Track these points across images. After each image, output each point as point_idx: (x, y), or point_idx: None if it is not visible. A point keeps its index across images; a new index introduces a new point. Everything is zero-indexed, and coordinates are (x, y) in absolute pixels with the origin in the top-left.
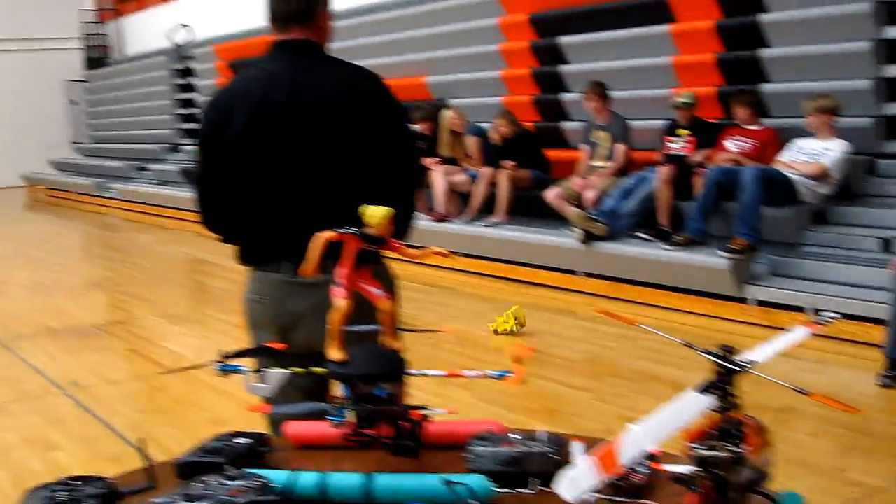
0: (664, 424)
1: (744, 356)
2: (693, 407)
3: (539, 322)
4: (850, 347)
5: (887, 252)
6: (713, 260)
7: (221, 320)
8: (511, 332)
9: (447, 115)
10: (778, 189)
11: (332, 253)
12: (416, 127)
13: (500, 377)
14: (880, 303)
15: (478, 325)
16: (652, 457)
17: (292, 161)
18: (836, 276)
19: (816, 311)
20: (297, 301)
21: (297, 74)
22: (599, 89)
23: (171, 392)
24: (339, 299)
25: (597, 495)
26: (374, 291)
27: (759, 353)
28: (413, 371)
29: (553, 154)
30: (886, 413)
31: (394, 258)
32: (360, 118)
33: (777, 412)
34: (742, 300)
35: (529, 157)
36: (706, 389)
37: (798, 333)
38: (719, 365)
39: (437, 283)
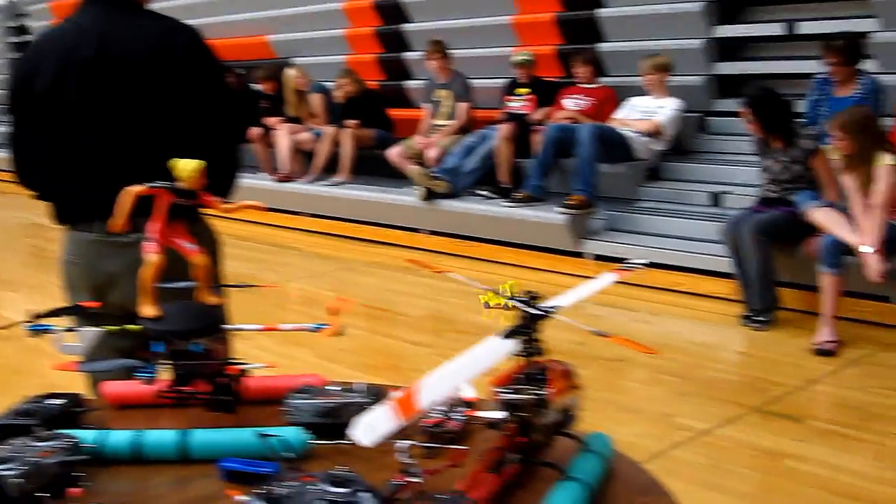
0: (464, 369)
1: (548, 302)
2: (495, 352)
3: (382, 280)
4: (682, 298)
5: (717, 206)
6: (551, 216)
7: (59, 286)
8: (505, 307)
9: (291, 74)
10: (614, 146)
11: (147, 210)
12: (259, 86)
13: (317, 329)
14: (711, 255)
15: (320, 285)
16: (468, 404)
17: (100, 117)
18: (669, 229)
19: (623, 259)
20: (111, 261)
21: (107, 28)
22: (440, 48)
23: (1, 359)
24: (151, 254)
25: (409, 442)
26: (188, 246)
27: (564, 298)
28: (228, 326)
29: (396, 113)
30: (712, 360)
31: (214, 214)
32: (172, 73)
33: (611, 362)
34: (580, 255)
35: (373, 116)
36: (509, 334)
37: (604, 280)
38: (522, 310)
39: (280, 242)
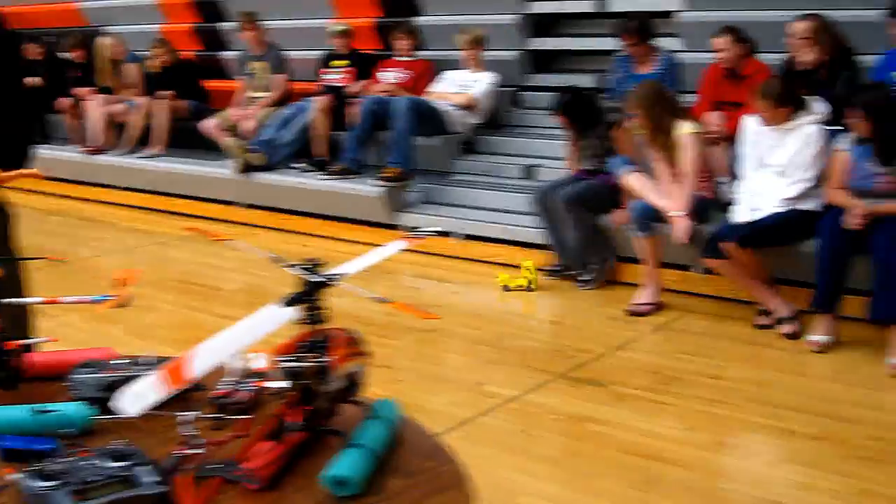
0: (240, 337)
1: (333, 270)
2: (273, 320)
3: (196, 254)
4: (494, 269)
5: (529, 179)
6: (368, 188)
7: None
8: (528, 289)
9: (105, 43)
10: (429, 119)
11: None
12: (68, 55)
13: (100, 301)
14: (524, 227)
15: (133, 260)
16: (258, 374)
17: None
18: (483, 202)
19: (413, 227)
20: None
21: None
22: (253, 19)
23: None
24: None
25: (195, 413)
26: None
27: (350, 266)
28: (14, 300)
29: (212, 84)
30: (523, 329)
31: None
32: None
33: (424, 333)
34: (396, 227)
35: (188, 87)
36: (289, 302)
37: (393, 247)
38: (304, 278)
39: (93, 217)
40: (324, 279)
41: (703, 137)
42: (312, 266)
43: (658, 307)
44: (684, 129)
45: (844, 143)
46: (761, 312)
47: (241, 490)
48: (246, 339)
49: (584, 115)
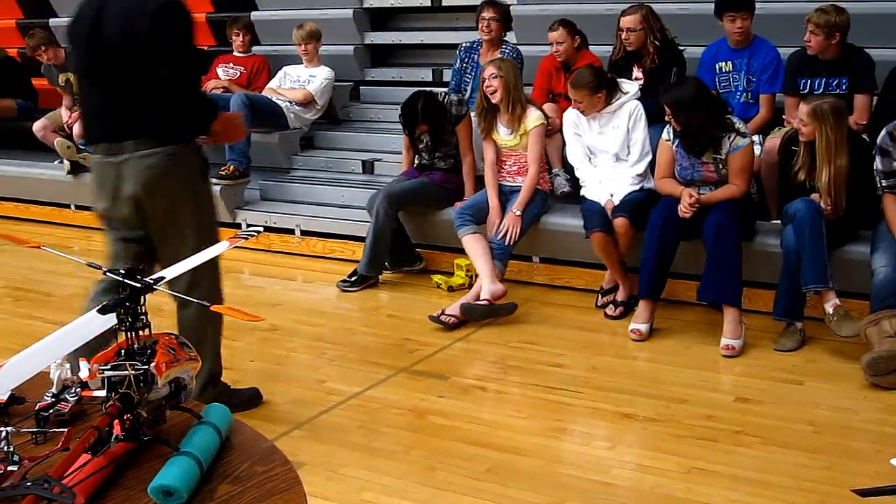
0: (55, 346)
1: (156, 273)
2: (90, 327)
3: (26, 259)
4: (335, 265)
5: (369, 173)
6: None
7: None
8: (465, 287)
9: None
10: (267, 115)
11: None
12: None
13: None
14: (364, 221)
15: None
16: (84, 384)
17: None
18: (323, 197)
19: (248, 225)
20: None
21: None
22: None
23: None
24: None
25: (8, 428)
26: None
27: (173, 269)
28: None
29: (40, 83)
30: (364, 324)
31: None
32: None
33: (265, 332)
34: (236, 225)
35: (13, 85)
36: (106, 309)
37: (218, 247)
38: (124, 283)
39: None
40: (144, 283)
41: (543, 129)
42: (132, 271)
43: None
44: (533, 119)
45: (668, 135)
46: (604, 293)
47: None
48: (61, 348)
49: (439, 115)
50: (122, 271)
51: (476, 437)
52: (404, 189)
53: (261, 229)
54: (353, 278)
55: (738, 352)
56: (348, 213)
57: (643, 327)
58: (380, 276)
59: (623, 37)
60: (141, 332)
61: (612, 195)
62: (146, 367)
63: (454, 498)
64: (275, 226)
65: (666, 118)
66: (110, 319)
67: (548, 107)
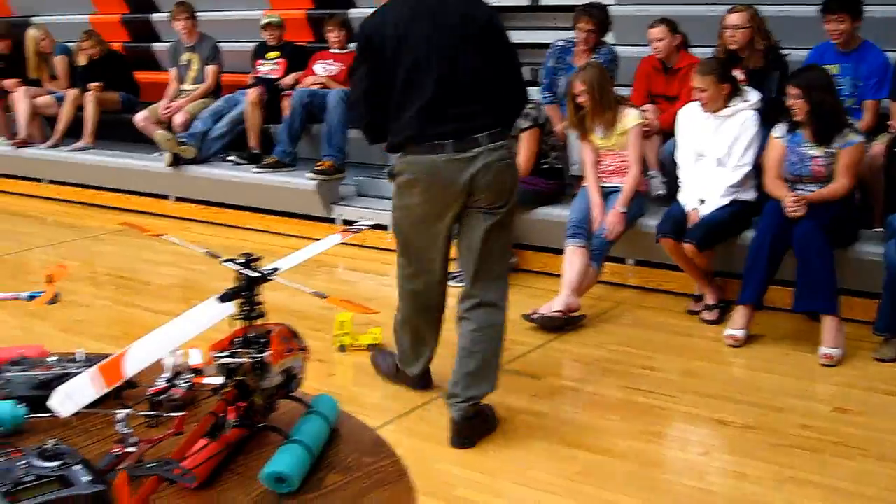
0: (176, 333)
1: (270, 264)
2: (210, 315)
3: (128, 248)
4: None
5: None
6: (302, 181)
7: None
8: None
9: (33, 35)
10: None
11: None
12: None
13: (31, 298)
14: None
15: (62, 254)
16: (195, 371)
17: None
18: None
19: (349, 221)
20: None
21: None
22: (186, 9)
23: None
24: None
25: (127, 411)
26: None
27: (287, 260)
28: None
29: (142, 76)
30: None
31: None
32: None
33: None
34: (331, 220)
35: (117, 78)
36: (226, 297)
37: (329, 241)
38: (241, 273)
39: (19, 211)
40: (261, 274)
41: (642, 129)
42: (249, 261)
43: (567, 314)
44: (631, 118)
45: (779, 132)
46: (697, 299)
47: (177, 488)
48: (182, 335)
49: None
50: (240, 261)
51: (569, 438)
52: None
53: (370, 223)
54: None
55: (836, 361)
56: None
57: (740, 333)
58: None
59: (728, 34)
60: (255, 321)
61: (702, 202)
62: (261, 355)
63: (547, 498)
64: (369, 221)
65: (789, 103)
66: (229, 308)
67: (647, 108)
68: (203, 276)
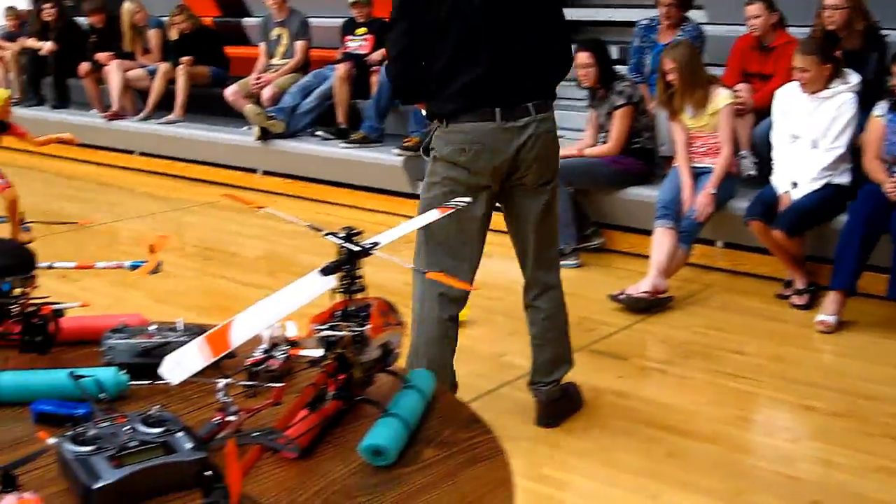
0: (280, 305)
1: (370, 239)
2: (312, 288)
3: (216, 220)
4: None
5: None
6: (388, 157)
7: None
8: None
9: (128, 9)
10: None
11: None
12: (86, 19)
13: (133, 267)
14: None
15: (151, 225)
16: (291, 343)
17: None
18: None
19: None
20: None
21: None
22: None
23: None
24: None
25: (227, 380)
26: None
27: (385, 235)
28: (41, 264)
29: (233, 51)
30: None
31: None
32: None
33: None
34: (416, 196)
35: (208, 53)
36: (328, 270)
37: (427, 217)
38: (342, 247)
39: (110, 182)
40: (362, 248)
41: (734, 108)
42: (350, 235)
43: (655, 294)
44: (722, 98)
45: (880, 110)
46: (787, 284)
47: (277, 458)
48: (286, 307)
49: (606, 62)
50: (341, 235)
51: (655, 420)
52: (567, 165)
53: (469, 200)
54: None
55: None
56: None
57: (831, 319)
58: (572, 252)
59: (826, 14)
60: (354, 295)
61: (794, 185)
62: (362, 329)
63: (631, 479)
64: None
65: (893, 82)
66: (330, 281)
67: (742, 87)
68: (289, 250)
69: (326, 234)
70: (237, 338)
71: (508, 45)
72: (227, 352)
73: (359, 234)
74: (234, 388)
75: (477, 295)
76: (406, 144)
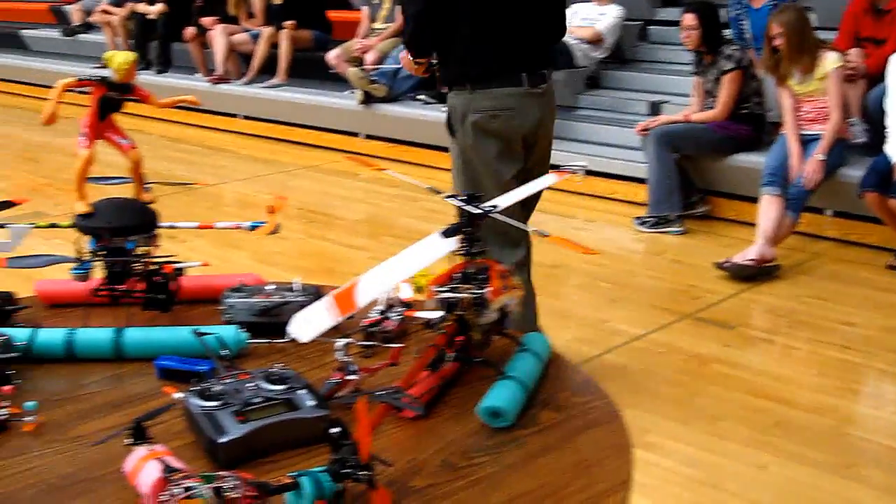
0: (403, 266)
1: (487, 202)
2: (434, 250)
3: (318, 183)
4: (618, 206)
5: (656, 115)
6: None
7: None
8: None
9: None
10: (554, 53)
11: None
12: None
13: (253, 228)
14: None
15: (255, 188)
16: (406, 304)
17: None
18: (607, 138)
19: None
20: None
21: None
22: None
23: None
24: (83, 149)
25: (347, 340)
26: (122, 142)
27: (505, 198)
28: (163, 224)
29: (335, 15)
30: (646, 267)
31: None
32: None
33: (548, 268)
34: None
35: (311, 17)
36: (449, 233)
37: (544, 181)
38: (462, 209)
39: (215, 145)
40: (482, 210)
41: (844, 73)
42: (470, 197)
43: (762, 263)
44: (830, 62)
45: None
46: None
47: (396, 418)
48: (410, 268)
49: (712, 25)
50: (461, 198)
51: (762, 390)
52: (673, 131)
53: (585, 165)
54: (653, 219)
55: None
56: (633, 154)
57: None
58: (677, 219)
59: None
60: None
61: None
62: (481, 291)
63: (738, 449)
64: (558, 164)
65: None
66: (451, 243)
67: (854, 52)
68: (391, 213)
69: (447, 197)
70: (363, 298)
71: (531, 9)
72: (352, 312)
73: (479, 196)
74: (351, 348)
75: (581, 260)
76: None
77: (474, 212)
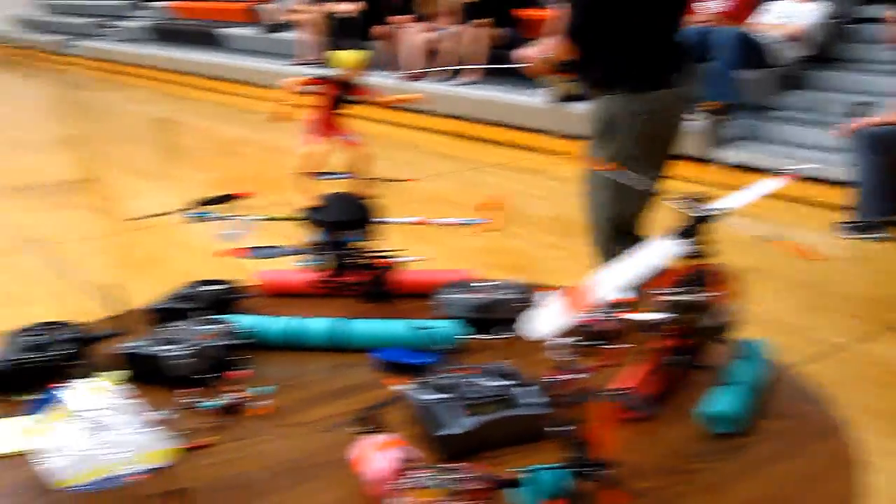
0: (633, 268)
1: (713, 204)
2: (662, 253)
3: (509, 181)
4: (816, 211)
5: (855, 116)
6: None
7: (193, 178)
8: None
9: None
10: (753, 51)
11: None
12: None
13: (470, 224)
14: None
15: (445, 184)
16: (618, 305)
17: None
18: (805, 139)
19: (777, 169)
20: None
21: None
22: None
23: (141, 248)
24: (310, 145)
25: (571, 338)
26: (349, 138)
27: (729, 201)
28: (386, 219)
29: (525, 13)
30: (846, 275)
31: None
32: None
33: (745, 272)
34: (708, 161)
35: (504, 15)
36: (678, 236)
37: (769, 184)
38: (689, 212)
39: (408, 141)
40: (710, 213)
41: None
42: (696, 200)
43: None
44: None
45: None
46: None
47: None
48: (640, 271)
49: None
50: (689, 200)
51: None
52: (880, 132)
53: (810, 166)
54: (858, 224)
55: None
56: (833, 157)
57: None
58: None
59: None
60: (699, 261)
61: None
62: (706, 295)
63: None
64: (751, 165)
65: None
66: (682, 245)
67: None
68: (578, 211)
69: (671, 200)
70: (595, 298)
71: (679, 7)
72: (586, 311)
73: (704, 198)
74: (569, 347)
75: (779, 265)
76: (706, 108)
77: (700, 215)
